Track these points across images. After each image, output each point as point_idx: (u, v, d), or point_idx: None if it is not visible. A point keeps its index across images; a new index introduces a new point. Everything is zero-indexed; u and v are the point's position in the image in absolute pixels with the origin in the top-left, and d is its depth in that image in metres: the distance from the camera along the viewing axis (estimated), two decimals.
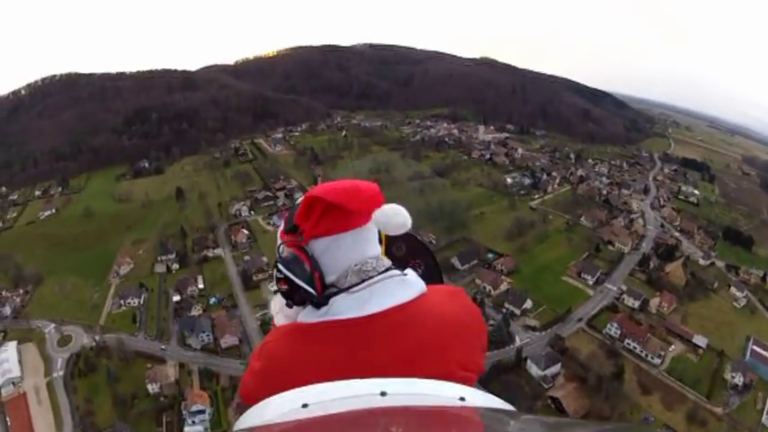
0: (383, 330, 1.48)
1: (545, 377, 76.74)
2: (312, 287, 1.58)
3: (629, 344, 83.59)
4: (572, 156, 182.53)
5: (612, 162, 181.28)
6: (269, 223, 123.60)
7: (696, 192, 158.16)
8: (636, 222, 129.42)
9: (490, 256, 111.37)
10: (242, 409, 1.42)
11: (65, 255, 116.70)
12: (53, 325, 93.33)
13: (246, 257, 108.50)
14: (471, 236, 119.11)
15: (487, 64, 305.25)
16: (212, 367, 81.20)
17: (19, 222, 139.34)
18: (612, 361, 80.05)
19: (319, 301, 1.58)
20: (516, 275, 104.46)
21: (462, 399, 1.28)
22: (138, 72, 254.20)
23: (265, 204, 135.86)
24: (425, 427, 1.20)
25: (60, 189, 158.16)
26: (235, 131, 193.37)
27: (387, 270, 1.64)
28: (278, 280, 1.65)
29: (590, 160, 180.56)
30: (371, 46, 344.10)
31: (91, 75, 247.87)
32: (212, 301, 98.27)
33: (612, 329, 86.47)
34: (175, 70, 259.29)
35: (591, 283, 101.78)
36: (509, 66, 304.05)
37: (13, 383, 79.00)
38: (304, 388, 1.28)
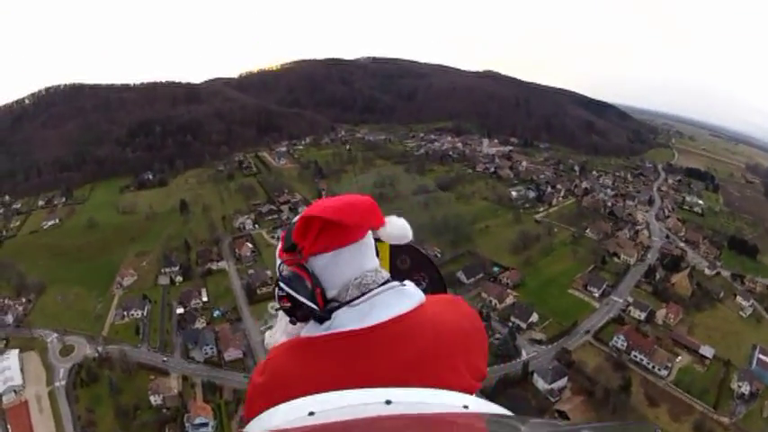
0: (383, 341, 1.52)
1: (552, 391, 77.96)
2: (314, 303, 1.63)
3: (635, 356, 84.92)
4: (576, 168, 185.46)
5: (617, 174, 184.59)
6: (273, 237, 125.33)
7: (700, 202, 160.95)
8: (641, 234, 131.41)
9: (496, 269, 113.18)
10: (246, 423, 1.49)
11: (68, 265, 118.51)
12: (56, 334, 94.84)
13: (251, 271, 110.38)
14: (476, 249, 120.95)
15: (491, 77, 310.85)
16: (216, 380, 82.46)
17: (22, 231, 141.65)
18: (619, 374, 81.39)
19: (322, 316, 1.64)
20: (522, 289, 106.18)
21: (466, 407, 1.31)
22: (142, 84, 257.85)
23: (269, 218, 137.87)
24: None
25: (64, 199, 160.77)
26: (239, 144, 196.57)
27: (386, 282, 1.70)
28: (280, 298, 1.71)
29: (594, 172, 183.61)
30: (375, 59, 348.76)
31: (95, 86, 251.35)
32: (216, 314, 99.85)
33: (619, 342, 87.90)
34: (179, 83, 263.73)
35: (597, 295, 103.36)
36: (512, 78, 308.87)
37: (15, 391, 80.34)
38: (310, 396, 1.33)
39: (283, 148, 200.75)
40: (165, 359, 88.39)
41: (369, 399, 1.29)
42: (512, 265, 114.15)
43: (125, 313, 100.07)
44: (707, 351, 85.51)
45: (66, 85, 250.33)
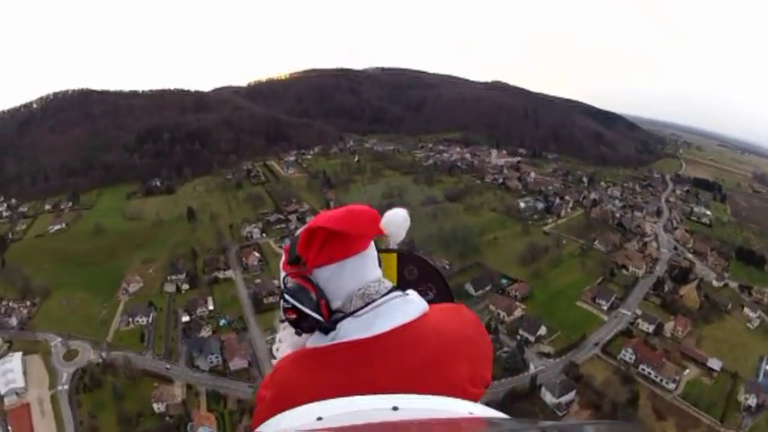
0: (388, 350, 1.58)
1: (559, 405, 78.42)
2: (319, 314, 1.70)
3: (643, 369, 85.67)
4: (585, 179, 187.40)
5: (625, 184, 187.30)
6: (281, 246, 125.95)
7: (708, 212, 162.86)
8: (649, 245, 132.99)
9: (504, 281, 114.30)
10: None
11: (73, 270, 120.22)
12: (60, 338, 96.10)
13: (257, 280, 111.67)
14: (485, 261, 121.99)
15: (499, 88, 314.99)
16: (220, 389, 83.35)
17: (28, 235, 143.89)
18: (627, 387, 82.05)
19: (327, 327, 1.70)
20: (530, 301, 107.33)
21: (471, 414, 1.36)
22: (151, 91, 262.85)
23: (277, 227, 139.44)
24: None
25: (71, 204, 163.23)
26: (247, 153, 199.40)
27: (389, 292, 1.76)
28: (286, 310, 1.77)
29: (603, 183, 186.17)
30: (383, 70, 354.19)
31: (104, 92, 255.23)
32: (222, 322, 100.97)
33: (627, 355, 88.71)
34: (188, 90, 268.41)
35: (605, 308, 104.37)
36: (521, 89, 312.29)
37: (17, 393, 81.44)
38: (318, 402, 1.37)
39: (292, 158, 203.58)
40: (168, 366, 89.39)
41: (376, 405, 1.33)
42: (520, 277, 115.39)
43: (130, 320, 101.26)
44: (714, 363, 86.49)
45: (74, 91, 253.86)
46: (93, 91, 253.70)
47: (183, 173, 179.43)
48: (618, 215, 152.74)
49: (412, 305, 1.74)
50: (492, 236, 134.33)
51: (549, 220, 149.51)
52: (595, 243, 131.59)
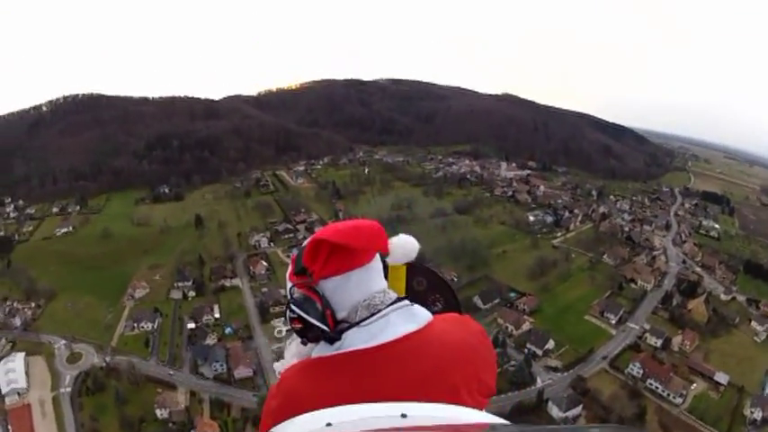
0: (393, 359, 1.66)
1: (566, 419, 78.35)
2: (325, 324, 1.79)
3: (651, 384, 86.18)
4: (594, 192, 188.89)
5: (634, 198, 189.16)
6: (288, 256, 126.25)
7: (716, 226, 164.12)
8: (658, 259, 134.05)
9: (512, 295, 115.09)
10: None
11: (80, 273, 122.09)
12: (64, 341, 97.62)
13: (264, 289, 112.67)
14: (493, 274, 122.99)
15: (509, 100, 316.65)
16: (224, 397, 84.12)
17: (35, 237, 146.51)
18: (635, 402, 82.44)
19: (332, 337, 1.79)
20: (539, 315, 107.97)
21: (477, 421, 1.44)
22: (161, 98, 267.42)
23: (285, 237, 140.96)
24: None
25: (79, 208, 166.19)
26: (257, 162, 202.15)
27: (394, 302, 1.86)
28: (292, 320, 1.87)
29: (612, 197, 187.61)
30: (393, 81, 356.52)
31: (114, 97, 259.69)
32: (228, 330, 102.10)
33: (635, 369, 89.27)
34: (198, 98, 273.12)
35: (613, 322, 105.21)
36: (530, 102, 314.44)
37: (18, 394, 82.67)
38: (327, 409, 1.44)
39: (301, 168, 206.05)
40: (171, 372, 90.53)
41: (385, 412, 1.37)
42: (529, 290, 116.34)
43: (135, 325, 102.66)
44: (721, 378, 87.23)
45: (84, 95, 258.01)
46: (103, 96, 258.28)
47: (191, 180, 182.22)
48: (627, 229, 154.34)
49: (416, 315, 1.82)
50: (501, 249, 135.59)
51: (558, 234, 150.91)
52: (604, 257, 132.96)
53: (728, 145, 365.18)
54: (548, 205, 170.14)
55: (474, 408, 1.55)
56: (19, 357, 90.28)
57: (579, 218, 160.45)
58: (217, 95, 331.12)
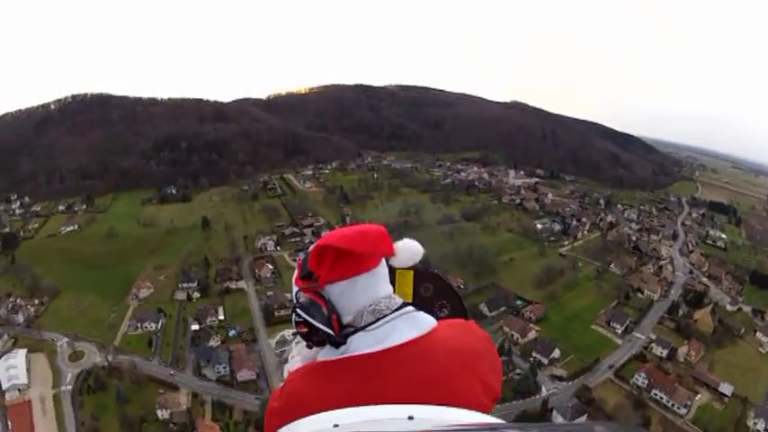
0: (398, 363, 1.68)
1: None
2: (330, 328, 1.82)
3: (656, 394, 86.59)
4: (601, 201, 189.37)
5: (642, 207, 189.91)
6: (295, 259, 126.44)
7: (723, 236, 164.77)
8: (665, 269, 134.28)
9: (519, 303, 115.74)
10: None
11: (84, 271, 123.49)
12: (66, 339, 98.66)
13: (270, 292, 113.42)
14: (500, 282, 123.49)
15: (518, 108, 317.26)
16: (226, 400, 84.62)
17: (40, 234, 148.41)
18: (639, 412, 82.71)
19: (338, 341, 1.82)
20: (545, 323, 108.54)
21: (483, 423, 1.44)
22: (170, 99, 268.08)
23: (292, 240, 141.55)
24: None
25: (85, 206, 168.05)
26: (265, 165, 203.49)
27: (399, 308, 1.89)
28: (297, 324, 1.91)
29: (619, 206, 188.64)
30: (403, 87, 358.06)
31: (123, 97, 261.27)
32: (231, 333, 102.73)
33: (640, 379, 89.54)
34: (207, 100, 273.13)
35: (620, 331, 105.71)
36: (539, 110, 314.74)
37: (19, 390, 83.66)
38: (334, 411, 1.47)
39: (309, 172, 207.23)
40: (172, 372, 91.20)
41: (392, 414, 1.41)
42: (535, 298, 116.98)
43: (138, 325, 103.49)
44: (726, 388, 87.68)
45: (92, 94, 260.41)
46: (112, 96, 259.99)
47: (199, 182, 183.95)
48: (634, 238, 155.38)
49: (421, 321, 1.85)
50: (508, 257, 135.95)
51: (566, 242, 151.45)
52: (611, 266, 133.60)
53: (735, 155, 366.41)
54: (555, 213, 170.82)
55: (480, 410, 1.58)
56: (21, 354, 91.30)
57: (587, 226, 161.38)
58: (226, 98, 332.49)
